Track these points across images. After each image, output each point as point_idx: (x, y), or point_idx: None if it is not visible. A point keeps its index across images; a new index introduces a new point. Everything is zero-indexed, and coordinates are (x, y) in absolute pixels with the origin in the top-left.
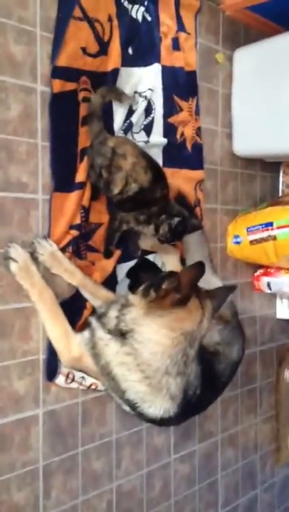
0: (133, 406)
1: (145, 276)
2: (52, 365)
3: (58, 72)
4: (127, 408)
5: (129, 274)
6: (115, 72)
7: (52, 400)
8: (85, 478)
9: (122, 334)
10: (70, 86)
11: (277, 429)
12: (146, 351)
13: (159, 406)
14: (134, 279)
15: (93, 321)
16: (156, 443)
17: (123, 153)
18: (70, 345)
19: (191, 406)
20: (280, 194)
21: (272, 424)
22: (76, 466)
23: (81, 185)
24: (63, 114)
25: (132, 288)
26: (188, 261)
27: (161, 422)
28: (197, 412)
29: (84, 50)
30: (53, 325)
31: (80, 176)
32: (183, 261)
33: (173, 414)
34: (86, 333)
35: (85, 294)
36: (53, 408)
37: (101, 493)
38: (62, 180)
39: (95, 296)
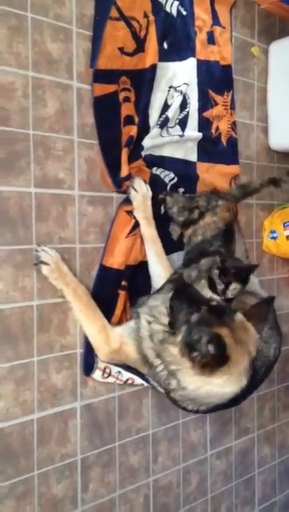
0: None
1: (181, 310)
2: (89, 360)
3: (98, 76)
4: (162, 390)
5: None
6: (153, 69)
7: (89, 393)
8: (122, 472)
9: None
10: (111, 88)
11: None
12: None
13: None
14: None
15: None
16: (192, 438)
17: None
18: (109, 338)
19: None
20: None
21: None
22: (113, 459)
23: (128, 178)
24: (106, 117)
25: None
26: None
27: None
28: (231, 405)
29: (122, 49)
30: (90, 321)
31: (124, 171)
32: None
33: None
34: (131, 323)
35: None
36: (91, 402)
37: (138, 488)
38: (115, 177)
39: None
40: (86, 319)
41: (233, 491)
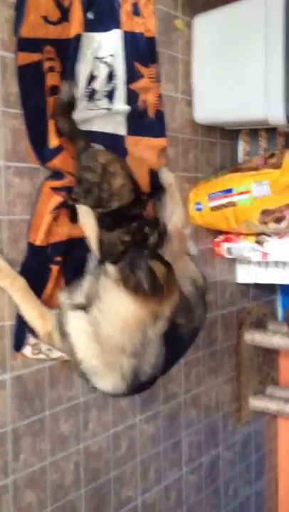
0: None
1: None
2: (19, 336)
3: (22, 45)
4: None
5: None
6: (78, 38)
7: (19, 365)
8: (53, 440)
9: (88, 304)
10: (35, 57)
11: (238, 389)
12: (108, 323)
13: (108, 382)
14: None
15: (63, 296)
16: (122, 405)
17: (113, 172)
18: (46, 322)
19: (144, 383)
20: (240, 161)
21: (233, 385)
22: (44, 428)
23: (59, 150)
24: (30, 86)
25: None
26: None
27: (113, 395)
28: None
29: (45, 18)
30: (27, 309)
31: (53, 141)
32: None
33: (122, 392)
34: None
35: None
36: (21, 373)
37: (69, 455)
38: (41, 151)
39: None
40: (24, 307)
41: (161, 453)
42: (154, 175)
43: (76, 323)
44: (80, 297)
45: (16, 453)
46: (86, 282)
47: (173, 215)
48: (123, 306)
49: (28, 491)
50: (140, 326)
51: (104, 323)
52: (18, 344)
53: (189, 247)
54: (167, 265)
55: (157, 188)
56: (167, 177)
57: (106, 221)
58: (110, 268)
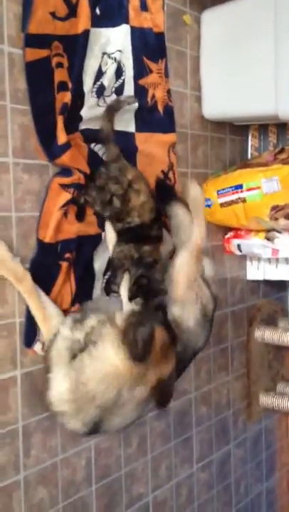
0: None
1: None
2: (30, 332)
3: (30, 41)
4: None
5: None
6: (86, 34)
7: (29, 362)
8: (64, 437)
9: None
10: (43, 53)
11: (248, 386)
12: (91, 370)
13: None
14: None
15: (65, 327)
16: None
17: (138, 189)
18: (48, 327)
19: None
20: (249, 157)
21: (244, 382)
22: (55, 425)
23: (68, 146)
24: (39, 82)
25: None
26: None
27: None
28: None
29: (53, 14)
30: (34, 308)
31: (62, 138)
32: None
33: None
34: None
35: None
36: (31, 370)
37: (80, 451)
38: (49, 148)
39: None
40: (31, 306)
41: (172, 450)
42: (159, 180)
43: (56, 375)
44: (80, 333)
45: (26, 449)
46: (92, 321)
47: (195, 231)
48: (111, 358)
49: (40, 488)
50: (117, 384)
51: (87, 369)
52: (29, 340)
53: (205, 266)
54: (171, 333)
55: (166, 194)
56: (194, 191)
57: (126, 235)
58: (118, 316)
